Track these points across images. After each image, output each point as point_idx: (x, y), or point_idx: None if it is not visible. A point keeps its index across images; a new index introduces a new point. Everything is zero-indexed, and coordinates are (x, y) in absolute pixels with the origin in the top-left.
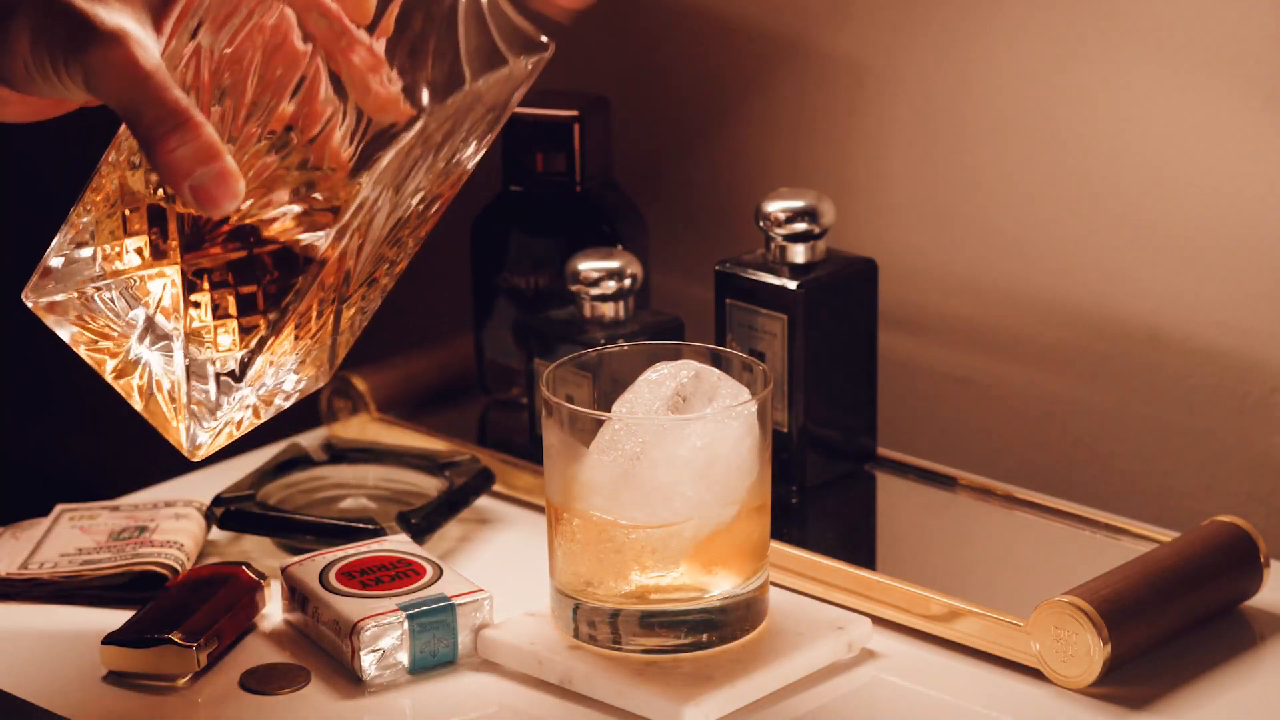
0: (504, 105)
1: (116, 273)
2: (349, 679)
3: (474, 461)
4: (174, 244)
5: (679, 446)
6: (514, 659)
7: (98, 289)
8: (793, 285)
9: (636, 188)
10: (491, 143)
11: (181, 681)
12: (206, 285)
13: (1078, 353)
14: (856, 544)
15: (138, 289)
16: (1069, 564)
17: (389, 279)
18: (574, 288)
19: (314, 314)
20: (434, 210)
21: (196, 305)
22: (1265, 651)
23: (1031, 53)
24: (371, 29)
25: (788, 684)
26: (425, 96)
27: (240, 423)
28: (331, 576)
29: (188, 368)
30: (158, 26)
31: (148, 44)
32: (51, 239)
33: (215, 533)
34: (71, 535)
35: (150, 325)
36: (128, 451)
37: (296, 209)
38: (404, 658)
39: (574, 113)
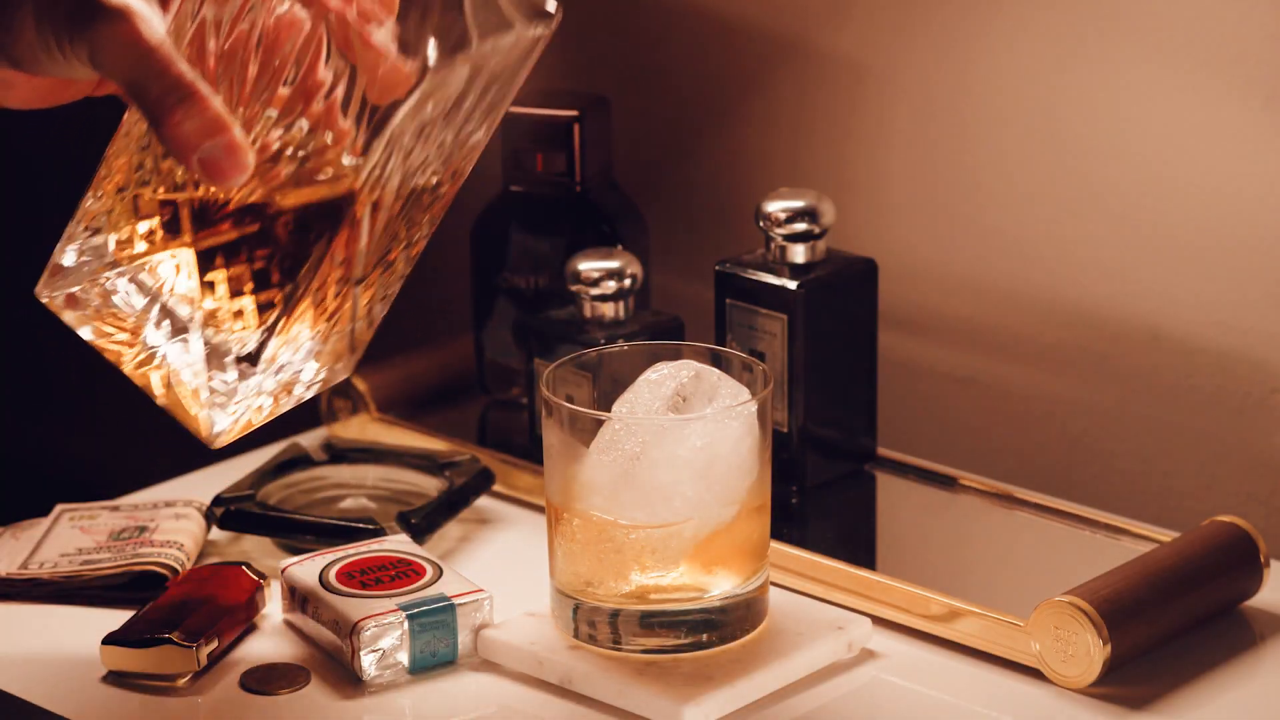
0: (511, 78)
1: (130, 258)
2: (349, 679)
3: (474, 461)
4: (186, 224)
5: (679, 446)
6: (514, 659)
7: (111, 277)
8: (793, 285)
9: (636, 188)
10: (499, 121)
11: (181, 681)
12: (220, 263)
13: (1078, 353)
14: (856, 544)
15: (152, 273)
16: (1069, 564)
17: (405, 263)
18: (574, 288)
19: (330, 293)
20: (444, 189)
21: (211, 285)
22: (1265, 651)
23: (1031, 53)
24: None
25: (788, 684)
26: (432, 53)
27: (260, 410)
28: (331, 576)
29: (205, 353)
30: (162, 2)
31: (152, 19)
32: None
33: (215, 533)
34: (71, 535)
35: (166, 312)
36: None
37: (305, 180)
38: (404, 658)
39: (574, 113)
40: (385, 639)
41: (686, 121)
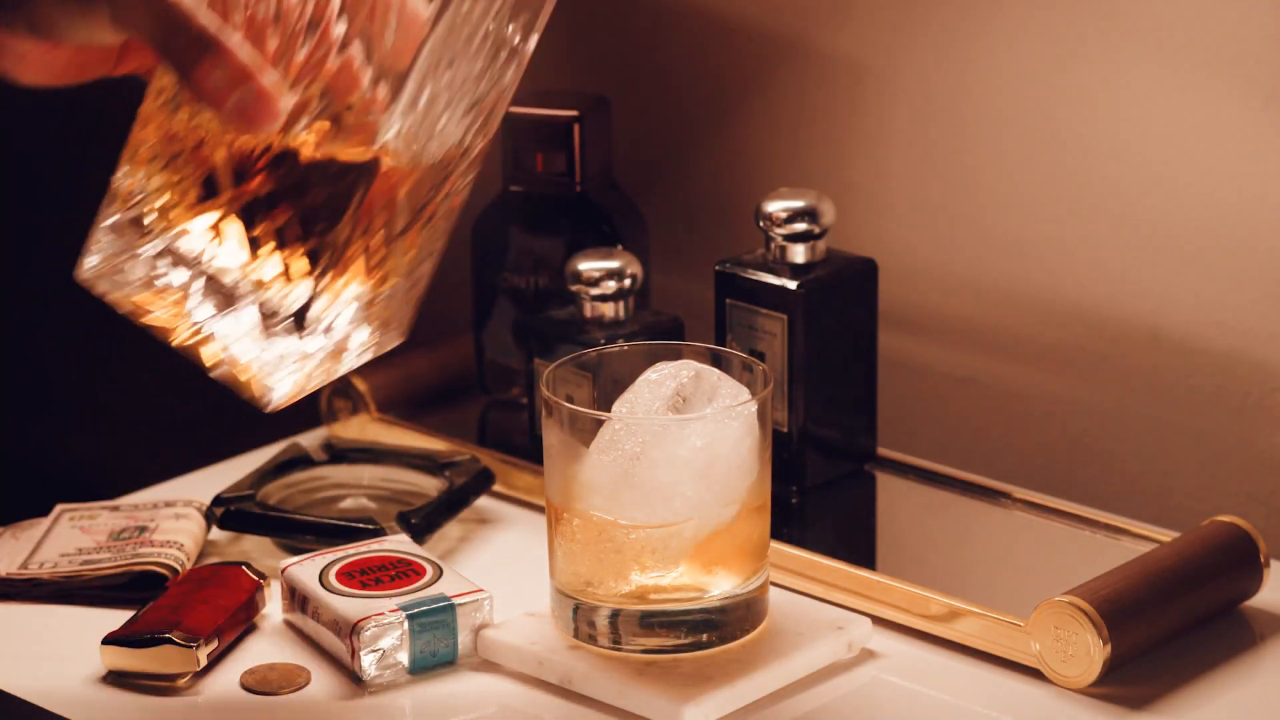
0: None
1: (168, 225)
2: (349, 679)
3: (474, 461)
4: (225, 181)
5: (679, 446)
6: (514, 659)
7: (150, 249)
8: (793, 285)
9: (636, 188)
10: (527, 58)
11: (181, 681)
12: (262, 219)
13: (1078, 353)
14: (856, 544)
15: (192, 239)
16: (1069, 564)
17: (445, 217)
18: (574, 288)
19: (373, 243)
20: (475, 135)
21: (255, 243)
22: (1265, 651)
23: (1031, 53)
24: None
25: (788, 684)
26: None
27: (311, 376)
28: (331, 576)
29: (254, 318)
30: None
31: None
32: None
33: (215, 533)
34: (71, 535)
35: (210, 279)
36: (128, 451)
37: (336, 130)
38: (404, 658)
39: (574, 113)
40: (385, 639)
41: (686, 121)
